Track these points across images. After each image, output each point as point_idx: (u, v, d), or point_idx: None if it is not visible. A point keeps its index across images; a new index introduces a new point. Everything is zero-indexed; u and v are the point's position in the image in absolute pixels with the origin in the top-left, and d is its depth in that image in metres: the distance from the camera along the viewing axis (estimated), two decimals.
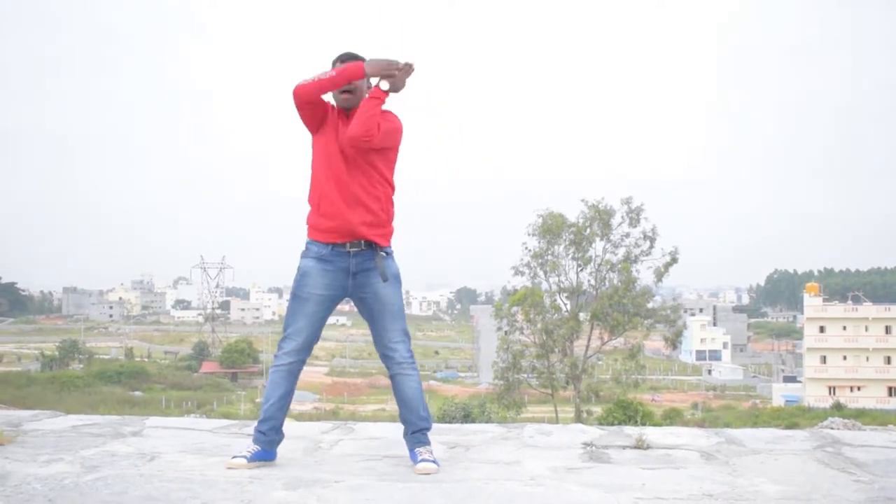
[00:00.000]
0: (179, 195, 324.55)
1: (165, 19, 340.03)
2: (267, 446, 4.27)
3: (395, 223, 4.40)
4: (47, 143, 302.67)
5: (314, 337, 4.36)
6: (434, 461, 4.20)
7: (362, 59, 4.21)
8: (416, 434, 4.33)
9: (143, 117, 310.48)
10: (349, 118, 4.23)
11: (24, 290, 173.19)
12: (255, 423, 4.36)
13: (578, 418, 38.23)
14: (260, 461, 4.22)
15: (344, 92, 4.25)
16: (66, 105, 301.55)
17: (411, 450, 4.30)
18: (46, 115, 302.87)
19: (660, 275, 43.09)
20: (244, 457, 4.20)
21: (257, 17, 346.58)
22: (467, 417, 26.56)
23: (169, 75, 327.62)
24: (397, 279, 4.38)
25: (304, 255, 4.34)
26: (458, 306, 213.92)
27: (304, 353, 4.33)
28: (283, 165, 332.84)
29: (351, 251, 4.25)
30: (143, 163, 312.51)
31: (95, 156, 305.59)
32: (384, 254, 4.33)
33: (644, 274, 43.66)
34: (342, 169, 4.23)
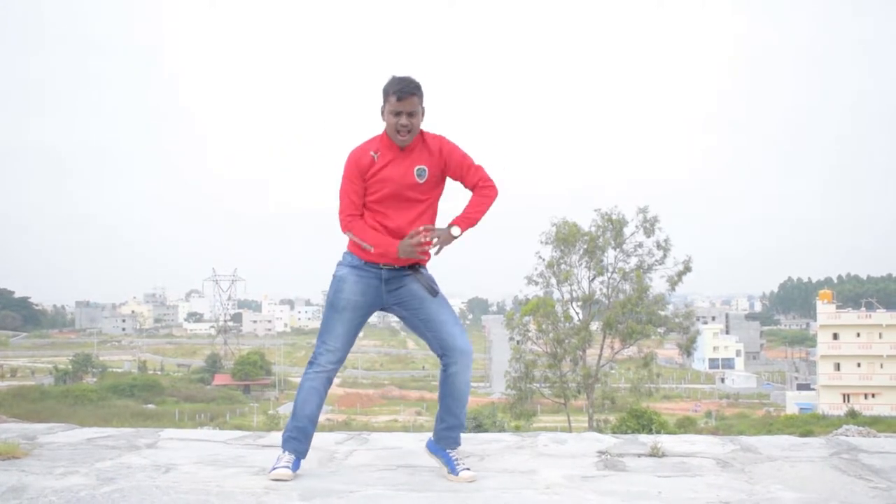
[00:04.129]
0: (188, 209, 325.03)
1: (158, 35, 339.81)
2: (301, 455, 4.29)
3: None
4: (47, 159, 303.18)
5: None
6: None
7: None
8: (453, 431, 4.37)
9: (143, 133, 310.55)
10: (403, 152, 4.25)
11: (37, 305, 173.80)
12: (287, 431, 4.33)
13: (591, 427, 38.10)
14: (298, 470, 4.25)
15: (401, 129, 4.17)
16: (62, 121, 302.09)
17: (444, 449, 4.34)
18: (45, 130, 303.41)
19: (673, 283, 42.96)
20: (286, 467, 4.18)
21: (252, 26, 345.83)
22: (479, 428, 26.50)
23: (170, 92, 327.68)
24: None
25: None
26: (470, 316, 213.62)
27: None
28: (289, 180, 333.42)
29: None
30: (147, 178, 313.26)
31: (100, 171, 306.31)
32: None
33: (656, 282, 43.57)
34: (395, 211, 4.35)
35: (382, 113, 4.21)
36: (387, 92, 4.15)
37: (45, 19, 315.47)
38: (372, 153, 4.23)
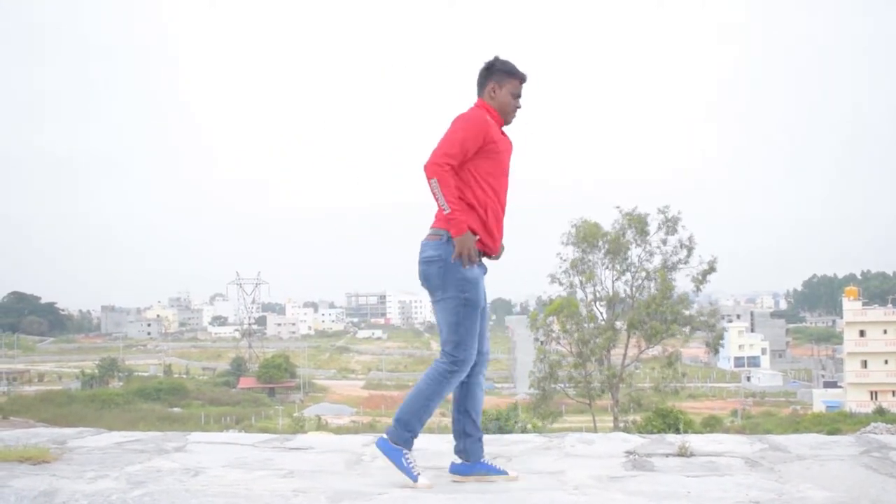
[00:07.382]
0: (211, 213, 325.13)
1: (158, 41, 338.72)
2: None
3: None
4: (68, 165, 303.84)
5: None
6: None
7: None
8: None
9: (159, 137, 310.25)
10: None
11: (63, 310, 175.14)
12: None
13: (617, 427, 37.97)
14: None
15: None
16: (77, 127, 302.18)
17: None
18: (64, 137, 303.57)
19: (698, 283, 42.71)
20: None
21: (252, 27, 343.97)
22: (501, 429, 26.43)
23: (177, 94, 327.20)
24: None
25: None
26: (494, 317, 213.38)
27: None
28: (309, 181, 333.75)
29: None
30: (169, 182, 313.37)
31: (121, 177, 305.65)
32: None
33: (681, 281, 43.38)
34: (504, 188, 4.28)
35: (491, 90, 4.23)
36: (511, 73, 4.23)
37: (45, 27, 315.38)
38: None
